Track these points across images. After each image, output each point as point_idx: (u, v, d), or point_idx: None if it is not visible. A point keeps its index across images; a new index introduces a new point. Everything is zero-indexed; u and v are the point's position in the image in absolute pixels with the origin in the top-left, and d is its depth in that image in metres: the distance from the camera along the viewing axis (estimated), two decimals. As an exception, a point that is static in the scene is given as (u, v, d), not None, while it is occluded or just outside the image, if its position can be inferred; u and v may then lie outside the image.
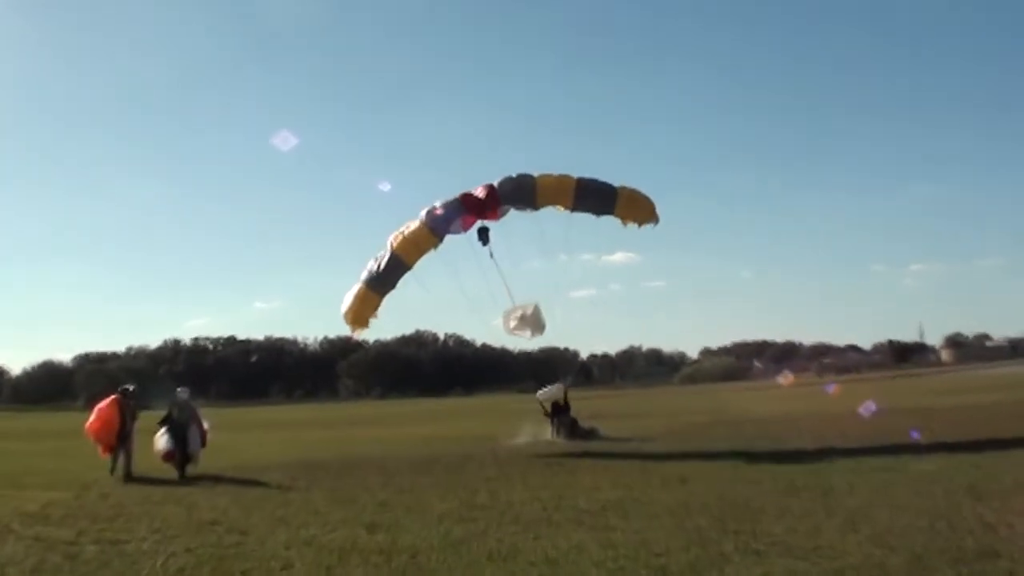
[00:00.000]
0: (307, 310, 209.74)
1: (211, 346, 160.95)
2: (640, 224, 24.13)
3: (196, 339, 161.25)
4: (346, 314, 23.54)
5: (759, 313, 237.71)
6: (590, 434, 25.95)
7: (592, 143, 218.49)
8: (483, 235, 23.21)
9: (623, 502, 13.17)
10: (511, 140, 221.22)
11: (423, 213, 23.66)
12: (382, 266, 23.19)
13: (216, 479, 17.99)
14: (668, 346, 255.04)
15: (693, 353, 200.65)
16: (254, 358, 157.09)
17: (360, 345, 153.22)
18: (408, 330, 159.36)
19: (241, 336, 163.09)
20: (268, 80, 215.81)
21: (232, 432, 33.92)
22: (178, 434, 19.07)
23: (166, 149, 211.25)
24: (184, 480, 18.17)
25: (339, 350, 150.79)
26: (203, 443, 19.52)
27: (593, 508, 12.75)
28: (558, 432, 25.54)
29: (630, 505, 12.89)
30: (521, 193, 23.24)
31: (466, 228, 23.32)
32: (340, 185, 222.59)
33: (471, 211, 23.14)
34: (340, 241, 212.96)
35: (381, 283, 23.37)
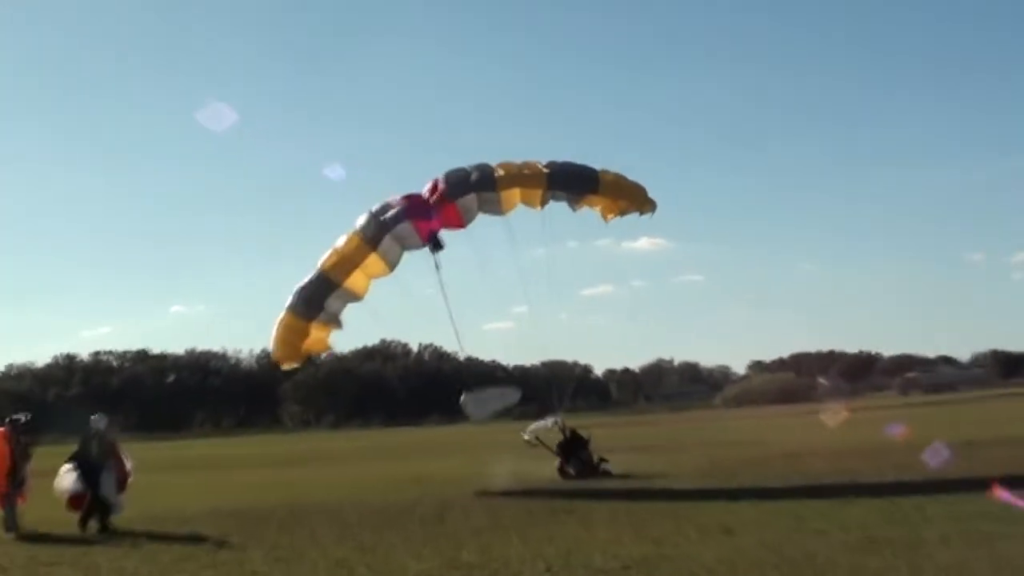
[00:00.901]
0: (239, 316, 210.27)
1: (116, 363, 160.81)
2: (623, 214, 25.76)
3: (96, 354, 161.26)
4: (272, 345, 26.07)
5: (824, 316, 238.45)
6: (605, 472, 26.26)
7: (597, 98, 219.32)
8: (436, 244, 25.08)
9: (650, 560, 13.19)
10: (489, 92, 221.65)
11: (360, 220, 25.27)
12: (304, 287, 25.38)
13: (124, 534, 17.94)
14: (707, 359, 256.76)
15: (739, 368, 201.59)
16: (171, 378, 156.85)
17: (309, 361, 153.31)
18: (371, 340, 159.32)
19: (155, 350, 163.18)
20: (181, 39, 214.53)
21: (144, 473, 33.56)
22: (90, 473, 18.91)
23: (56, 122, 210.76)
24: (102, 533, 18.19)
25: (281, 368, 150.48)
26: (122, 486, 19.46)
27: (612, 568, 12.78)
28: (567, 468, 25.80)
29: (659, 564, 12.92)
30: (477, 185, 25.04)
31: (424, 238, 25.11)
32: (278, 163, 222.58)
33: (419, 215, 24.92)
34: (282, 230, 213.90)
35: (306, 306, 25.28)
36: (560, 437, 27.48)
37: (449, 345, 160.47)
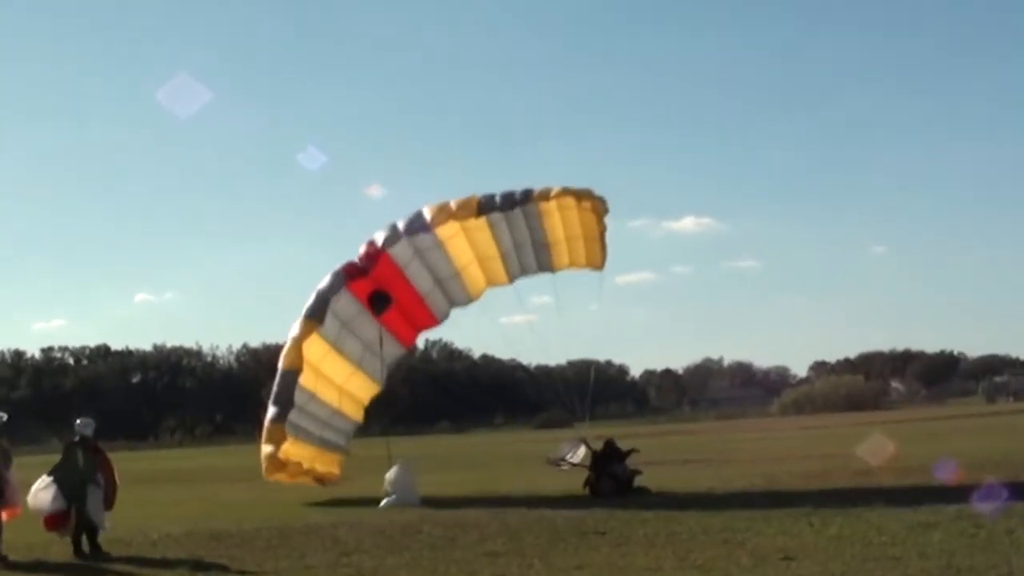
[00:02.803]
0: (215, 305, 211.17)
1: (72, 360, 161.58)
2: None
3: (48, 350, 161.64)
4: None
5: (900, 310, 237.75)
6: (641, 489, 26.58)
7: (632, 58, 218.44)
8: (378, 302, 27.66)
9: (696, 590, 13.25)
10: (498, 58, 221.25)
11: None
12: (274, 390, 29.02)
13: (87, 561, 18.12)
14: (762, 359, 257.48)
15: (800, 370, 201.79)
16: (136, 377, 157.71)
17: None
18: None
19: (116, 345, 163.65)
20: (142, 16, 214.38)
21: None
22: (73, 487, 18.77)
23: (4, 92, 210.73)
24: (92, 555, 18.33)
25: (265, 365, 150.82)
26: (110, 503, 19.36)
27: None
28: (597, 484, 25.97)
29: (707, 595, 12.97)
30: (407, 229, 28.08)
31: (366, 303, 28.29)
32: (251, 140, 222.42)
33: (353, 277, 28.03)
34: (263, 205, 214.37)
35: (280, 409, 28.56)
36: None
37: (461, 341, 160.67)
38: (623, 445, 28.15)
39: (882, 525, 18.23)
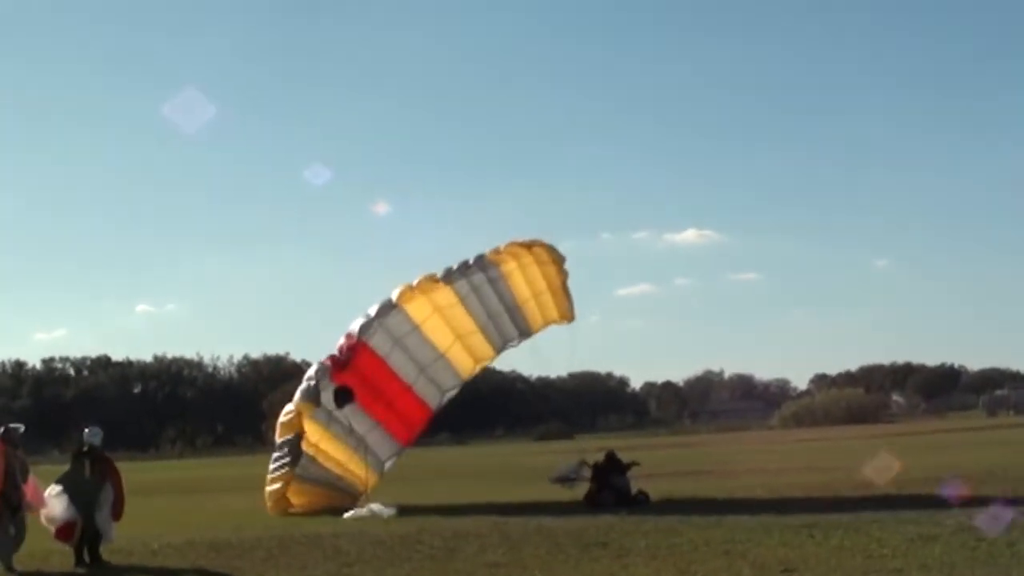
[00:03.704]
0: (216, 316, 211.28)
1: (72, 370, 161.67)
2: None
3: (49, 360, 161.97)
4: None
5: (901, 323, 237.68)
6: (642, 500, 26.58)
7: (634, 64, 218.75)
8: (340, 397, 27.75)
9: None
10: (498, 67, 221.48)
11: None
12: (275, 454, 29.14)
13: (88, 570, 18.16)
14: (763, 371, 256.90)
15: (801, 382, 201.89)
16: (137, 388, 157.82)
17: (298, 368, 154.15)
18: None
19: (117, 356, 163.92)
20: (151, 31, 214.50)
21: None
22: (81, 497, 18.67)
23: (6, 105, 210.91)
24: (92, 565, 18.31)
25: (265, 377, 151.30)
26: (119, 513, 19.26)
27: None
28: (598, 496, 26.00)
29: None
30: (378, 313, 28.13)
31: (338, 405, 28.10)
32: (255, 155, 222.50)
33: (337, 371, 28.00)
34: (265, 217, 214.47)
35: (287, 459, 28.43)
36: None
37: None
38: (624, 457, 28.22)
39: (883, 537, 18.20)
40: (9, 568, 18.03)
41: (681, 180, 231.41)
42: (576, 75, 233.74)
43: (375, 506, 27.19)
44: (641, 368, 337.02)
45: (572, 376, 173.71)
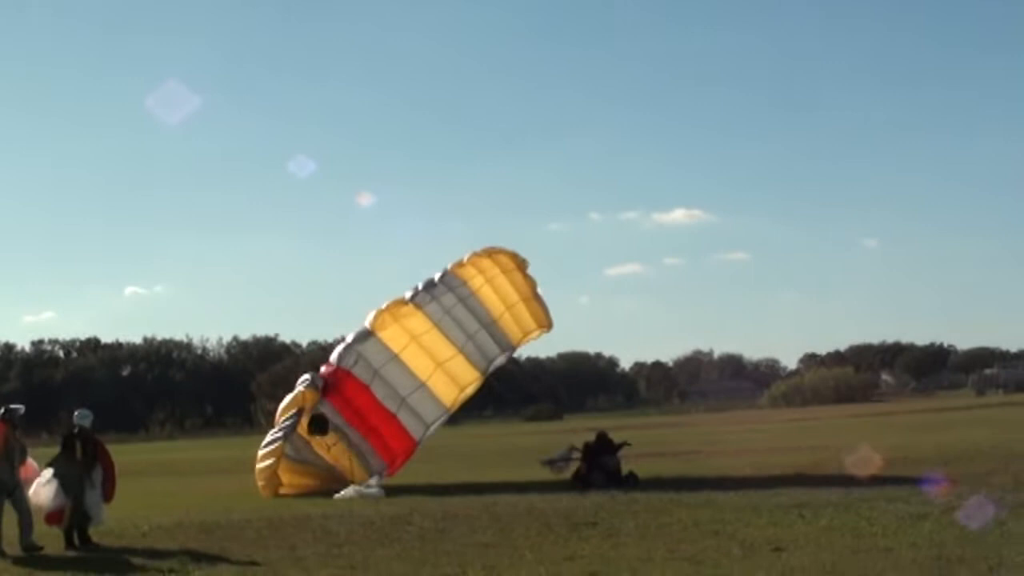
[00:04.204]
0: (205, 298, 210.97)
1: (62, 353, 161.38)
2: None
3: (38, 343, 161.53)
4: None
5: (890, 303, 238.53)
6: (631, 481, 26.60)
7: (626, 50, 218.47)
8: (315, 425, 28.20)
9: (687, 581, 13.21)
10: (487, 62, 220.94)
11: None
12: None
13: (78, 553, 18.12)
14: (752, 351, 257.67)
15: (790, 362, 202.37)
16: (127, 370, 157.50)
17: (287, 350, 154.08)
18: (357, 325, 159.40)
19: (107, 338, 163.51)
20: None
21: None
22: (71, 479, 18.60)
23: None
24: (82, 547, 18.29)
25: (255, 359, 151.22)
26: (110, 495, 19.27)
27: (642, 590, 12.81)
28: (588, 476, 26.07)
29: (698, 586, 12.95)
30: (354, 340, 28.65)
31: (310, 433, 28.51)
32: (243, 136, 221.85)
33: (327, 392, 28.39)
34: (253, 199, 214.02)
35: (279, 435, 28.55)
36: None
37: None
38: (616, 438, 28.25)
39: (873, 516, 18.26)
40: (32, 545, 17.99)
41: (670, 160, 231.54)
42: (563, 59, 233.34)
43: (364, 487, 27.21)
44: (631, 348, 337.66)
45: (562, 357, 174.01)
